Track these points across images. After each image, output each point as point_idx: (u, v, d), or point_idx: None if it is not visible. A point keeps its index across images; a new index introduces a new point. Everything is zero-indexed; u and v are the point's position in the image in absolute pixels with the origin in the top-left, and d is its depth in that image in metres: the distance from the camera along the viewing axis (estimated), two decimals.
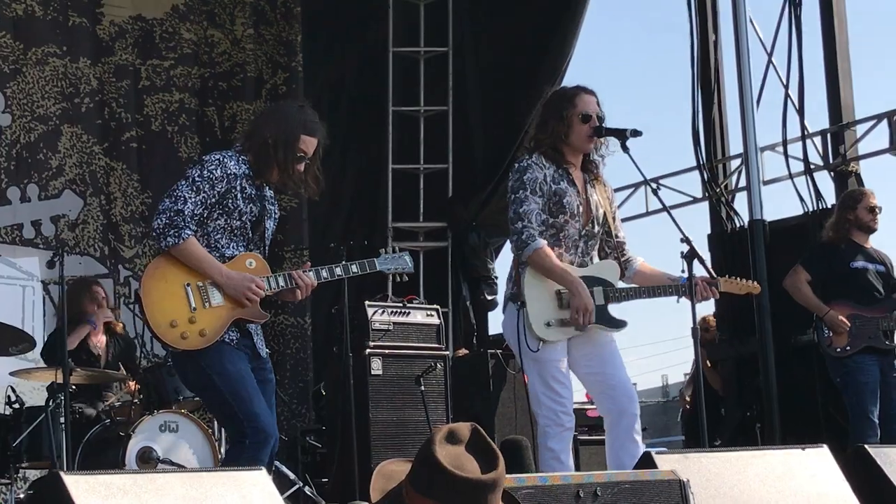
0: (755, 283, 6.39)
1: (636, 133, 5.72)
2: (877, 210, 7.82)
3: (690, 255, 5.67)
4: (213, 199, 5.23)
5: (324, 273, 5.49)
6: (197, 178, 5.22)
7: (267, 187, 5.50)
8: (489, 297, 10.86)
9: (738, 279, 6.29)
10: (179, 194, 5.20)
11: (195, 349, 5.20)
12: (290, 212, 10.92)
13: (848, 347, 7.68)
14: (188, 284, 5.21)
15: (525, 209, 5.72)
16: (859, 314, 7.67)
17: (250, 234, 5.38)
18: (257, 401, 5.22)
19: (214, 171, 5.24)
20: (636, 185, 11.16)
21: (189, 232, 5.17)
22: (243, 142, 5.51)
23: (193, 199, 5.18)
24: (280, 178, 5.43)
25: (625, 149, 5.73)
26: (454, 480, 2.48)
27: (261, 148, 5.37)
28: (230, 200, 5.27)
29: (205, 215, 5.24)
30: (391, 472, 2.63)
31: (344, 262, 5.59)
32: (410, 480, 2.53)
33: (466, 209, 10.85)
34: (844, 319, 7.63)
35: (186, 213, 5.16)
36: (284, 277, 5.38)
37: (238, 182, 5.29)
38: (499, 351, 8.94)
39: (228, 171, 5.26)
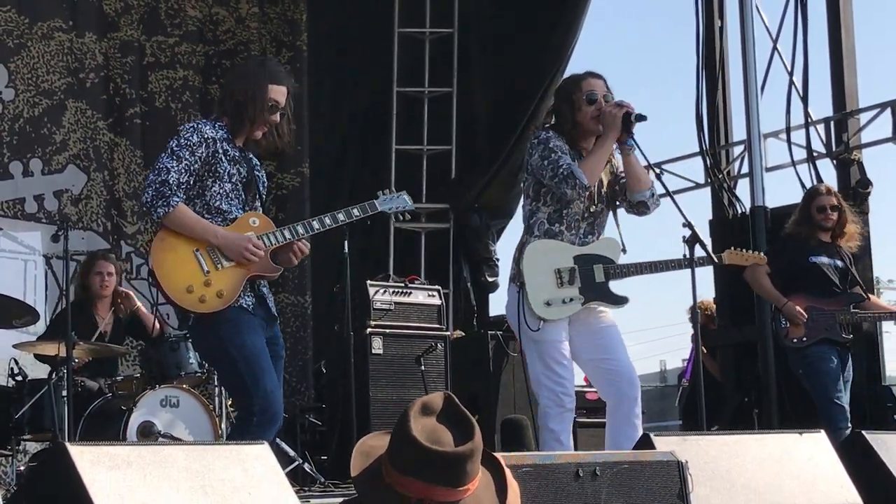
0: (760, 254, 6.43)
1: (641, 118, 5.75)
2: (828, 209, 7.80)
3: (692, 240, 5.72)
4: (197, 165, 5.26)
5: (327, 220, 5.51)
6: (175, 148, 5.27)
7: (250, 154, 5.53)
8: (490, 279, 10.89)
9: (743, 250, 6.34)
10: (162, 166, 5.25)
11: (216, 310, 5.24)
12: (291, 191, 10.96)
13: (804, 338, 7.73)
14: (197, 250, 5.27)
15: (561, 159, 5.74)
16: (816, 306, 7.71)
17: (243, 196, 5.43)
18: (270, 378, 5.25)
19: (191, 138, 5.28)
20: None
21: (177, 199, 5.22)
22: (217, 108, 5.56)
23: (176, 168, 5.23)
24: (256, 133, 5.44)
25: (629, 133, 5.77)
26: (430, 455, 2.49)
27: (234, 108, 5.41)
28: (217, 165, 5.31)
29: (191, 183, 5.28)
30: (370, 448, 2.63)
31: (345, 208, 5.61)
32: (389, 458, 2.54)
33: (469, 191, 10.87)
34: (801, 311, 7.69)
35: (171, 182, 5.21)
36: (290, 230, 5.41)
37: (219, 146, 5.32)
38: (499, 332, 9.01)
39: (205, 136, 5.29)
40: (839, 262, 7.79)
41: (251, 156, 5.53)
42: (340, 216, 5.57)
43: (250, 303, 5.36)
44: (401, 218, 6.07)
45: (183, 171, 5.25)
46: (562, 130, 5.88)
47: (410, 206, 5.91)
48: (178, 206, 5.23)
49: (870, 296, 8.02)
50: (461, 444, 2.50)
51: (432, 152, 10.96)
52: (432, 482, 2.47)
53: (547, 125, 6.07)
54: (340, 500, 2.87)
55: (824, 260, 7.74)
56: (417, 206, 10.84)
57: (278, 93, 5.46)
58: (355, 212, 5.63)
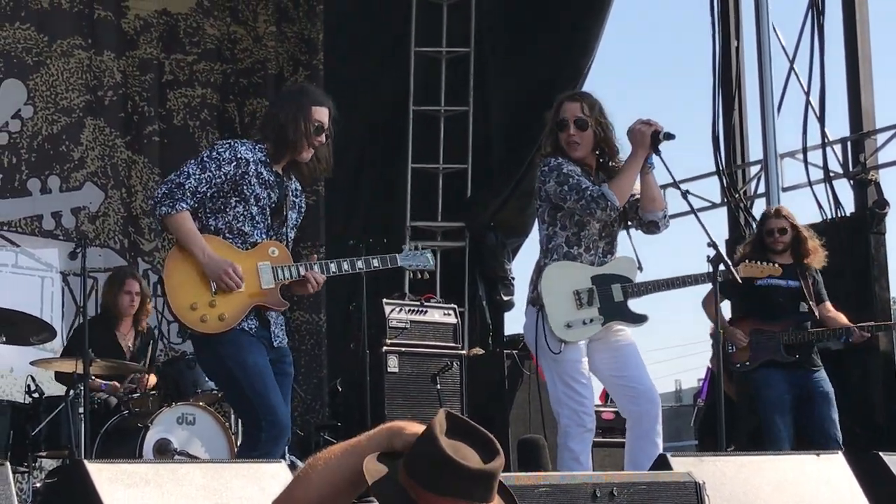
0: (776, 265, 6.42)
1: (669, 136, 5.76)
2: (776, 232, 7.76)
3: (717, 259, 5.72)
4: (220, 181, 5.28)
5: (345, 265, 5.54)
6: (205, 158, 5.32)
7: (293, 179, 5.54)
8: (505, 298, 10.88)
9: (759, 263, 6.33)
10: (184, 170, 5.29)
11: (214, 333, 5.25)
12: (306, 209, 10.94)
13: (747, 363, 7.76)
14: None
15: (582, 182, 5.75)
16: (762, 328, 7.71)
17: (269, 221, 5.43)
18: (274, 394, 5.26)
19: (223, 154, 5.32)
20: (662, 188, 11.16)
21: (184, 206, 5.24)
22: (259, 132, 5.58)
23: (197, 176, 5.25)
24: (303, 155, 5.45)
25: (656, 151, 5.78)
26: (463, 472, 2.49)
27: (277, 131, 5.43)
28: (245, 186, 5.33)
29: (209, 195, 5.30)
30: (375, 472, 2.62)
31: (365, 257, 5.64)
32: (414, 478, 2.53)
33: (485, 209, 10.87)
34: (742, 334, 7.69)
35: (187, 187, 5.23)
36: (305, 266, 5.42)
37: (252, 167, 5.34)
38: (514, 351, 9.00)
39: (239, 155, 5.32)
40: (794, 283, 7.75)
41: (289, 182, 5.53)
42: (359, 264, 5.61)
43: (252, 326, 5.36)
44: (419, 276, 6.10)
45: (203, 181, 5.26)
46: (561, 153, 5.92)
47: (430, 267, 5.94)
48: (181, 212, 5.25)
49: (830, 313, 7.92)
50: (489, 461, 2.50)
51: (448, 171, 10.97)
52: (467, 500, 2.47)
53: (548, 149, 6.06)
54: None
55: (776, 282, 7.68)
56: (433, 224, 10.93)
57: (321, 113, 5.49)
58: (375, 262, 5.67)
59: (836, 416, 7.68)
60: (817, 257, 7.83)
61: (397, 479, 2.53)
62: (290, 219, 5.56)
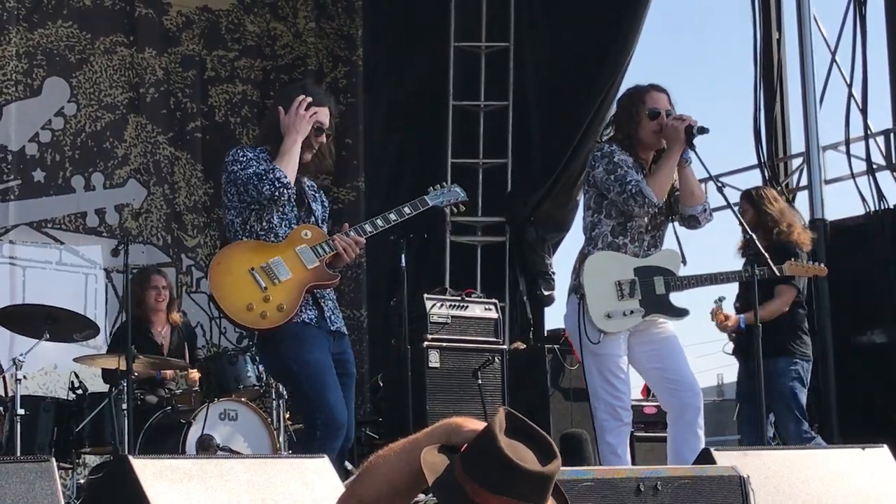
0: (821, 265, 6.36)
1: (703, 130, 5.71)
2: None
3: (755, 254, 5.68)
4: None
5: (379, 222, 5.54)
6: (241, 160, 5.33)
7: (304, 177, 5.55)
8: (546, 293, 10.83)
9: (804, 262, 6.27)
10: (241, 174, 5.27)
11: (278, 325, 5.25)
12: (347, 205, 10.97)
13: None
14: (252, 269, 5.29)
15: (628, 174, 5.71)
16: None
17: (296, 210, 5.45)
18: (332, 392, 5.26)
19: (246, 154, 5.36)
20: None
21: (278, 168, 5.23)
22: (258, 138, 5.62)
23: (248, 167, 5.28)
24: (304, 156, 5.45)
25: (691, 146, 5.73)
26: (522, 474, 2.49)
27: (278, 134, 5.45)
28: None
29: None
30: (432, 464, 2.62)
31: (396, 207, 5.60)
32: (472, 477, 2.52)
33: (525, 204, 10.83)
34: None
35: (259, 171, 5.24)
36: (330, 244, 5.42)
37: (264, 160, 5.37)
38: (556, 346, 8.97)
39: (249, 154, 5.36)
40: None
41: (303, 179, 5.54)
42: (392, 216, 5.57)
43: (313, 317, 5.37)
44: (455, 211, 6.02)
45: (263, 164, 5.28)
46: (621, 142, 5.85)
47: (463, 197, 5.91)
48: (278, 170, 5.24)
49: None
50: (546, 464, 2.49)
51: (488, 166, 10.94)
52: (523, 500, 2.47)
53: (606, 136, 6.05)
54: None
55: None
56: (473, 219, 10.90)
57: (322, 114, 5.48)
58: (406, 209, 5.63)
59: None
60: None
61: (454, 474, 2.53)
62: (315, 211, 5.56)
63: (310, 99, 5.44)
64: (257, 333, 5.43)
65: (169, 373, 8.05)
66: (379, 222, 5.54)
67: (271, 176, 5.22)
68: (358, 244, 5.46)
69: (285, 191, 5.26)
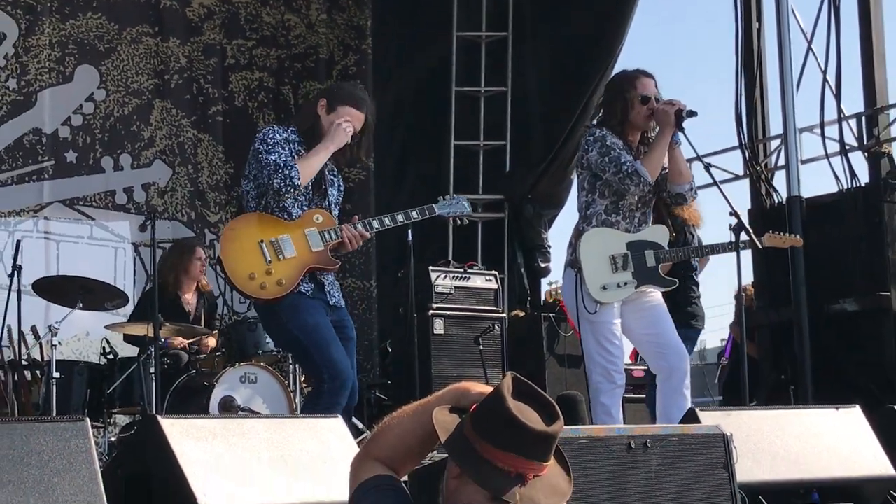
0: (797, 237, 6.39)
1: (692, 114, 5.71)
2: None
3: (738, 227, 5.69)
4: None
5: (386, 220, 5.57)
6: (269, 142, 5.34)
7: (329, 161, 5.54)
8: (542, 265, 10.85)
9: (782, 234, 6.30)
10: (263, 162, 5.27)
11: (275, 297, 5.27)
12: (357, 184, 10.95)
13: None
14: (261, 241, 5.31)
15: (622, 156, 5.69)
16: None
17: (311, 193, 5.44)
18: (334, 348, 5.29)
19: (275, 136, 5.39)
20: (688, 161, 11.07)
21: (294, 169, 5.22)
22: (294, 118, 5.61)
23: (276, 155, 5.29)
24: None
25: (680, 128, 5.73)
26: (528, 433, 2.51)
27: (306, 117, 5.45)
28: None
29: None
30: (444, 422, 2.63)
31: (405, 210, 5.62)
32: (482, 436, 2.54)
33: (522, 183, 10.82)
34: None
35: (280, 163, 5.26)
36: (337, 232, 5.43)
37: (290, 147, 5.35)
38: (552, 314, 8.98)
39: (280, 137, 5.35)
40: None
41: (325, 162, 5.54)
42: (400, 217, 5.60)
43: (309, 288, 5.38)
44: (458, 222, 6.07)
45: (284, 154, 5.27)
46: (611, 125, 5.84)
47: (468, 210, 5.93)
48: (295, 170, 5.24)
49: None
50: (550, 424, 2.51)
51: (488, 147, 10.92)
52: (528, 457, 2.49)
53: (597, 121, 6.03)
54: None
55: None
56: (474, 196, 10.88)
57: (352, 115, 5.48)
58: (414, 214, 5.66)
59: None
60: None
61: (464, 432, 2.55)
62: (330, 195, 5.56)
63: (353, 123, 5.44)
64: (257, 304, 5.44)
65: (211, 341, 8.03)
66: (387, 221, 5.57)
67: (286, 173, 5.22)
68: (362, 237, 5.47)
69: (292, 190, 5.26)
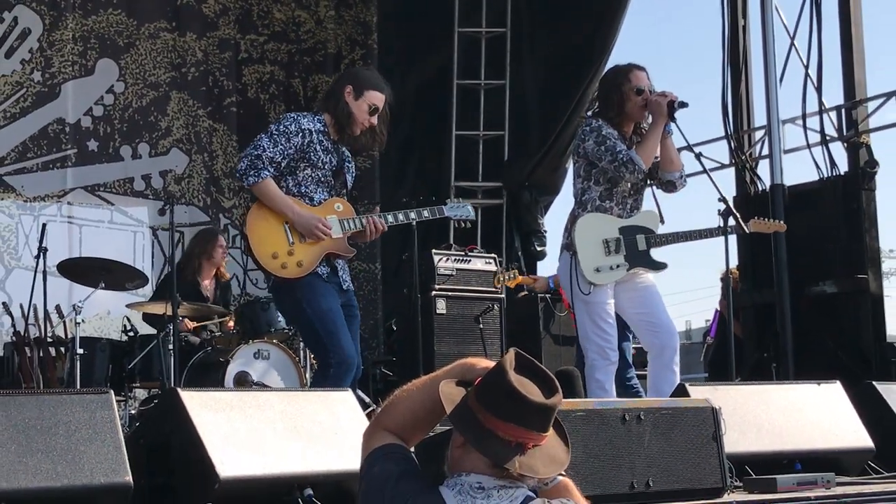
0: (781, 222, 6.41)
1: (683, 105, 5.71)
2: None
3: (727, 213, 5.69)
4: (292, 151, 5.31)
5: (400, 216, 5.60)
6: (274, 132, 5.34)
7: (343, 147, 5.54)
8: (539, 248, 10.86)
9: (766, 219, 6.31)
10: (259, 143, 5.31)
11: (293, 277, 5.29)
12: (363, 171, 10.93)
13: None
14: (287, 223, 5.33)
15: (617, 145, 5.69)
16: None
17: (332, 182, 5.45)
18: (343, 333, 5.29)
19: (289, 126, 5.34)
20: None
21: (266, 173, 5.27)
22: (321, 103, 5.59)
23: (271, 149, 5.29)
24: (355, 129, 5.45)
25: (672, 119, 5.72)
26: (528, 405, 2.51)
27: (338, 104, 5.43)
28: (312, 153, 5.36)
29: (283, 164, 5.32)
30: (449, 395, 2.64)
31: (417, 208, 5.65)
32: (486, 406, 2.54)
33: (520, 170, 10.82)
34: None
35: (264, 157, 5.26)
36: (360, 220, 5.45)
37: (315, 136, 5.37)
38: (548, 295, 8.98)
39: (303, 127, 5.34)
40: None
41: (343, 149, 5.55)
42: (412, 214, 5.65)
43: (325, 272, 5.40)
44: (460, 225, 6.11)
45: (278, 152, 5.29)
46: (608, 116, 5.83)
47: (471, 216, 5.98)
48: (265, 179, 5.29)
49: None
50: (549, 397, 2.52)
51: (487, 137, 10.90)
52: (528, 428, 2.50)
53: (592, 112, 6.04)
54: None
55: None
56: (475, 184, 10.88)
57: (377, 98, 5.49)
58: (425, 213, 5.71)
59: None
60: None
61: (467, 402, 2.55)
62: (348, 183, 5.58)
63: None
64: (273, 280, 5.45)
65: (230, 323, 8.05)
66: (400, 216, 5.62)
67: (259, 164, 5.26)
68: (380, 231, 5.50)
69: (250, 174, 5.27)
